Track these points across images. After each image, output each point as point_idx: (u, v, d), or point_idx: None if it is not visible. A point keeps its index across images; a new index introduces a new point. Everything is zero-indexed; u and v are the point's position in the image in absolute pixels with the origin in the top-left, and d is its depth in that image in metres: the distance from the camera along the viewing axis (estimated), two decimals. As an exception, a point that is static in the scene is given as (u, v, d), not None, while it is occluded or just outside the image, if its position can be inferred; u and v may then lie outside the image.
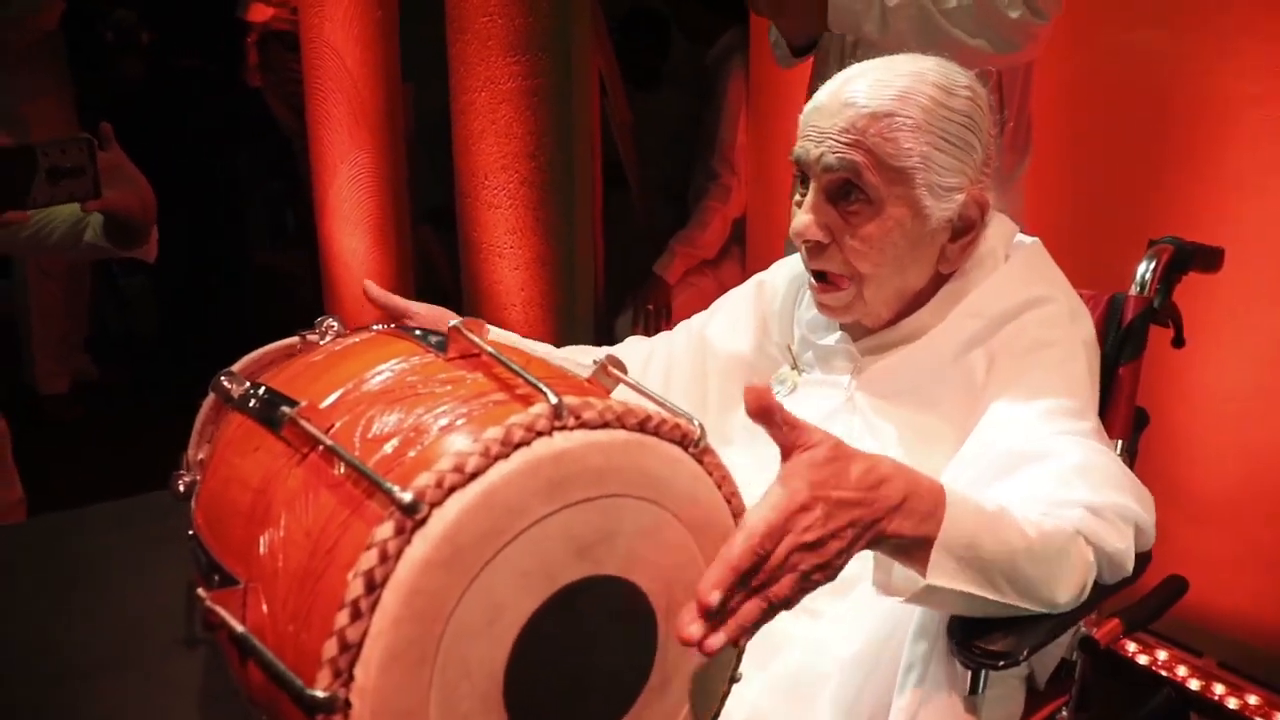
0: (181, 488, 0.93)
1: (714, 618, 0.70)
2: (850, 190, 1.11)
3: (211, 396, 1.05)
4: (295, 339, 1.10)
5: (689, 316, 1.50)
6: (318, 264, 3.46)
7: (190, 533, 0.79)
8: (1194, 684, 1.99)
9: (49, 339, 3.50)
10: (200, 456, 1.02)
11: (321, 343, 0.97)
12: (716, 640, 0.70)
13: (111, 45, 3.61)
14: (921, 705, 1.00)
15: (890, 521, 0.81)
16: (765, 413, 0.76)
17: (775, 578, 0.74)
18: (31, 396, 3.48)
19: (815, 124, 1.12)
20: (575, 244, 2.88)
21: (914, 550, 0.85)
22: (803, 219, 1.13)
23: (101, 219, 1.55)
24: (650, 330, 2.99)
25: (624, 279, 3.14)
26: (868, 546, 0.82)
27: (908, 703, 1.00)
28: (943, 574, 0.85)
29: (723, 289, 1.51)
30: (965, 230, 1.16)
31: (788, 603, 0.76)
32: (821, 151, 1.10)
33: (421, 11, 3.08)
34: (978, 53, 1.59)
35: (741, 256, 3.05)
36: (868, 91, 1.10)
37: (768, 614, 0.75)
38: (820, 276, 1.18)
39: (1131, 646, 2.07)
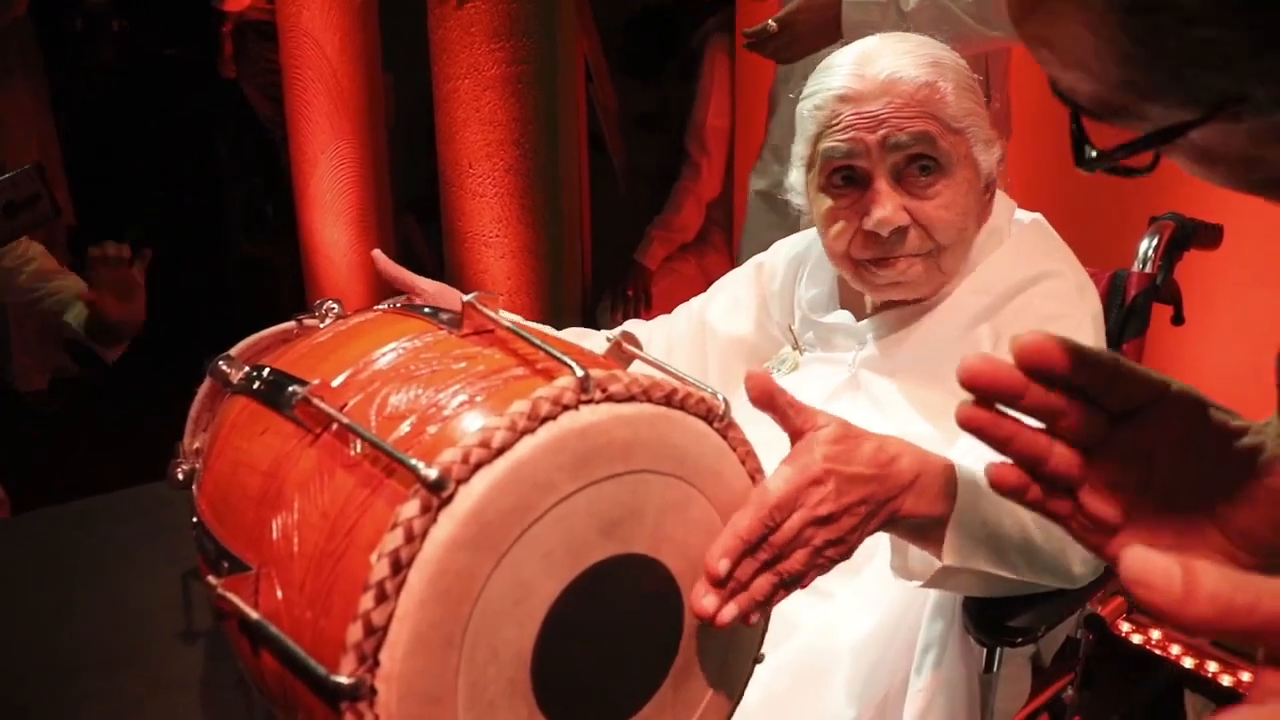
0: (181, 476, 0.90)
1: (723, 587, 0.69)
2: (923, 163, 1.09)
3: (207, 383, 1.02)
4: (292, 323, 1.07)
5: (670, 302, 1.49)
6: (298, 255, 3.42)
7: (194, 520, 0.76)
8: (1188, 662, 1.99)
9: (26, 335, 3.44)
10: (196, 445, 0.99)
11: (321, 325, 0.94)
12: (729, 612, 0.69)
13: (82, 33, 3.55)
14: (939, 685, 0.99)
15: (904, 500, 0.80)
16: (768, 398, 0.76)
17: (788, 552, 0.73)
18: (10, 394, 3.43)
19: (861, 112, 1.08)
20: (562, 232, 2.86)
21: (928, 530, 0.85)
22: (886, 209, 1.09)
23: (88, 312, 1.57)
24: (629, 317, 2.98)
25: (612, 267, 3.12)
26: (881, 527, 0.81)
27: (926, 683, 0.99)
28: (957, 554, 0.84)
29: (705, 274, 1.51)
30: (992, 182, 1.17)
31: (801, 578, 0.75)
32: (885, 132, 1.07)
33: (402, -2, 3.05)
34: (995, 40, 1.61)
35: (726, 241, 3.03)
36: (907, 64, 1.09)
37: (780, 589, 0.74)
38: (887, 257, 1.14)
39: (1126, 626, 2.08)
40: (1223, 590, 0.38)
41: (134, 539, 1.25)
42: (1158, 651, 2.02)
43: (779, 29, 1.74)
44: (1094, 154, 0.53)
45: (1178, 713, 1.98)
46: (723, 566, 0.69)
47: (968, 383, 0.57)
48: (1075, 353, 0.55)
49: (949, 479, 0.83)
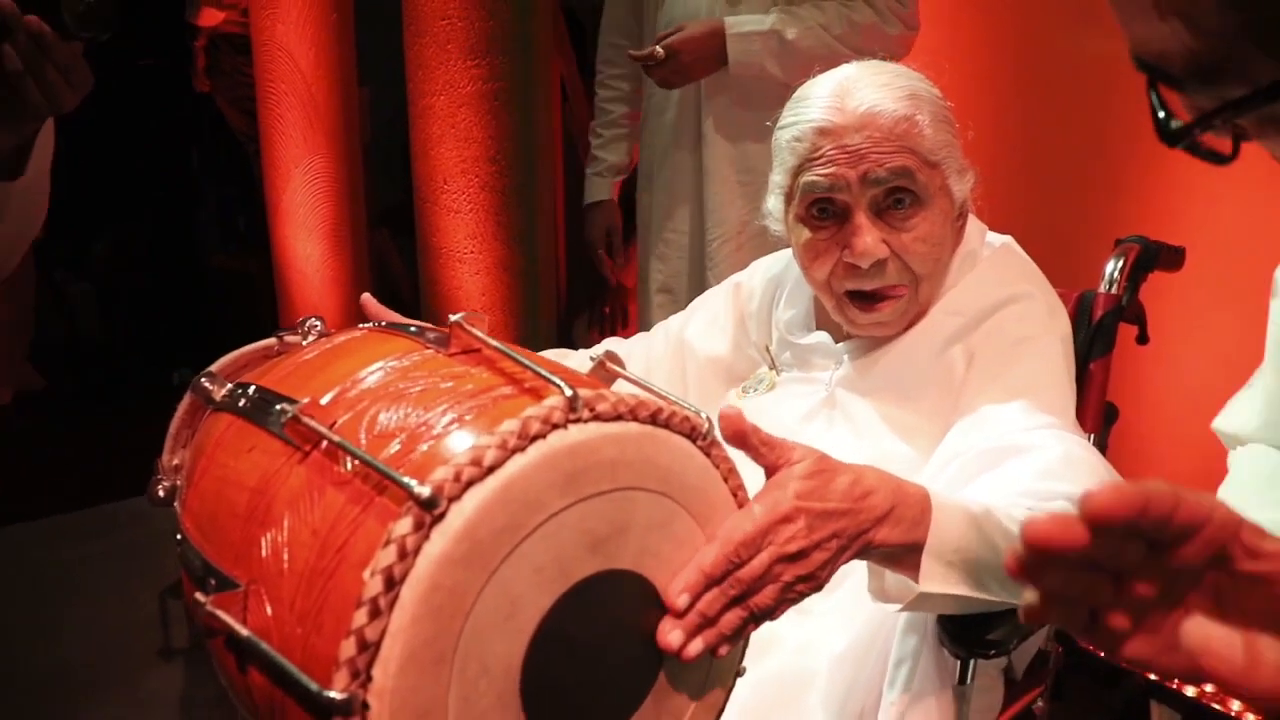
0: (161, 493, 0.90)
1: (684, 620, 0.70)
2: (900, 196, 1.12)
3: (188, 399, 1.02)
4: (272, 340, 1.07)
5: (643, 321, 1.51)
6: (270, 269, 3.41)
7: (178, 536, 0.76)
8: (1152, 673, 2.02)
9: None
10: (176, 461, 0.99)
11: (304, 343, 0.94)
12: (695, 647, 0.70)
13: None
14: (913, 698, 1.01)
15: (877, 531, 0.81)
16: (740, 437, 0.76)
17: (757, 588, 0.74)
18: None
19: (838, 146, 1.11)
20: (537, 249, 2.87)
21: (903, 557, 0.86)
22: (869, 241, 1.11)
23: None
24: (606, 336, 2.99)
25: (588, 285, 3.13)
26: (856, 556, 0.82)
27: (899, 696, 1.01)
28: (934, 580, 0.86)
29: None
30: (965, 209, 1.20)
31: (771, 612, 0.76)
32: (866, 168, 1.10)
33: (378, 14, 3.06)
34: None
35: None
36: (885, 97, 1.11)
37: (749, 622, 0.75)
38: (869, 297, 1.17)
39: (1093, 640, 2.11)
40: None
41: (106, 556, 1.24)
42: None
43: (665, 56, 1.78)
44: (1178, 124, 0.48)
45: (1144, 723, 2.01)
46: (682, 601, 0.69)
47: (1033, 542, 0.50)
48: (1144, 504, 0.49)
49: (924, 508, 0.84)
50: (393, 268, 3.62)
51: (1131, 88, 1.94)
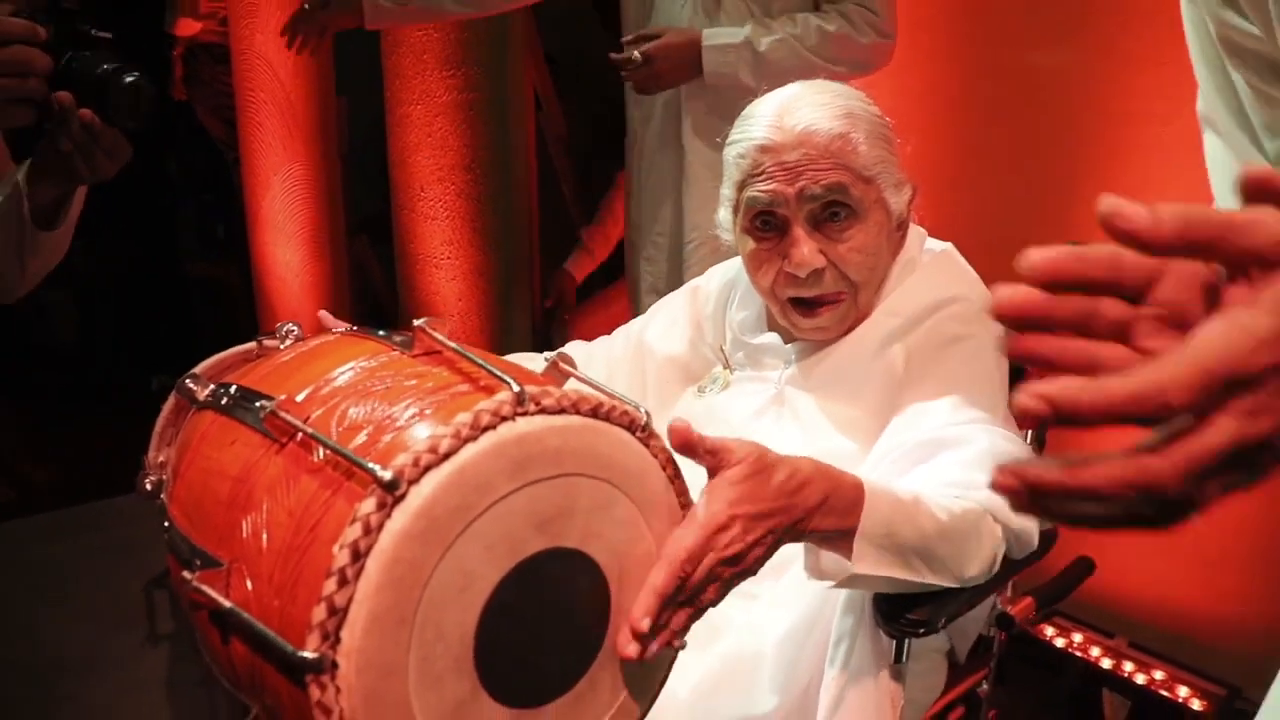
0: (149, 486, 0.96)
1: (648, 640, 0.77)
2: (835, 210, 1.18)
3: (172, 400, 1.08)
4: (252, 344, 1.14)
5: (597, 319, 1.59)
6: (250, 275, 3.45)
7: (166, 525, 0.83)
8: (1106, 663, 2.11)
9: None
10: (161, 458, 1.05)
11: (282, 347, 1.01)
12: (653, 650, 0.78)
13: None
14: (851, 675, 1.08)
15: (810, 521, 0.88)
16: (688, 447, 0.82)
17: (701, 589, 0.81)
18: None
19: (777, 163, 1.18)
20: (512, 255, 2.93)
21: (837, 540, 0.92)
22: (805, 252, 1.18)
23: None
24: (550, 325, 3.07)
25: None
26: (793, 540, 0.88)
27: (838, 673, 1.07)
28: (865, 561, 0.92)
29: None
30: (904, 220, 1.26)
31: (714, 603, 0.83)
32: (802, 184, 1.17)
33: (356, 25, 3.10)
34: (840, 74, 1.78)
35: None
36: (822, 116, 1.17)
37: (696, 616, 0.82)
38: (810, 304, 1.23)
39: (1050, 630, 2.19)
40: (1182, 211, 0.39)
41: (91, 553, 1.30)
42: (1079, 654, 2.14)
43: (643, 61, 1.86)
44: None
45: (1096, 710, 2.10)
46: (645, 625, 0.77)
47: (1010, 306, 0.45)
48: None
49: (858, 497, 0.91)
50: (371, 274, 3.67)
51: (1077, 103, 2.06)
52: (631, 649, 0.77)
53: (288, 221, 3.28)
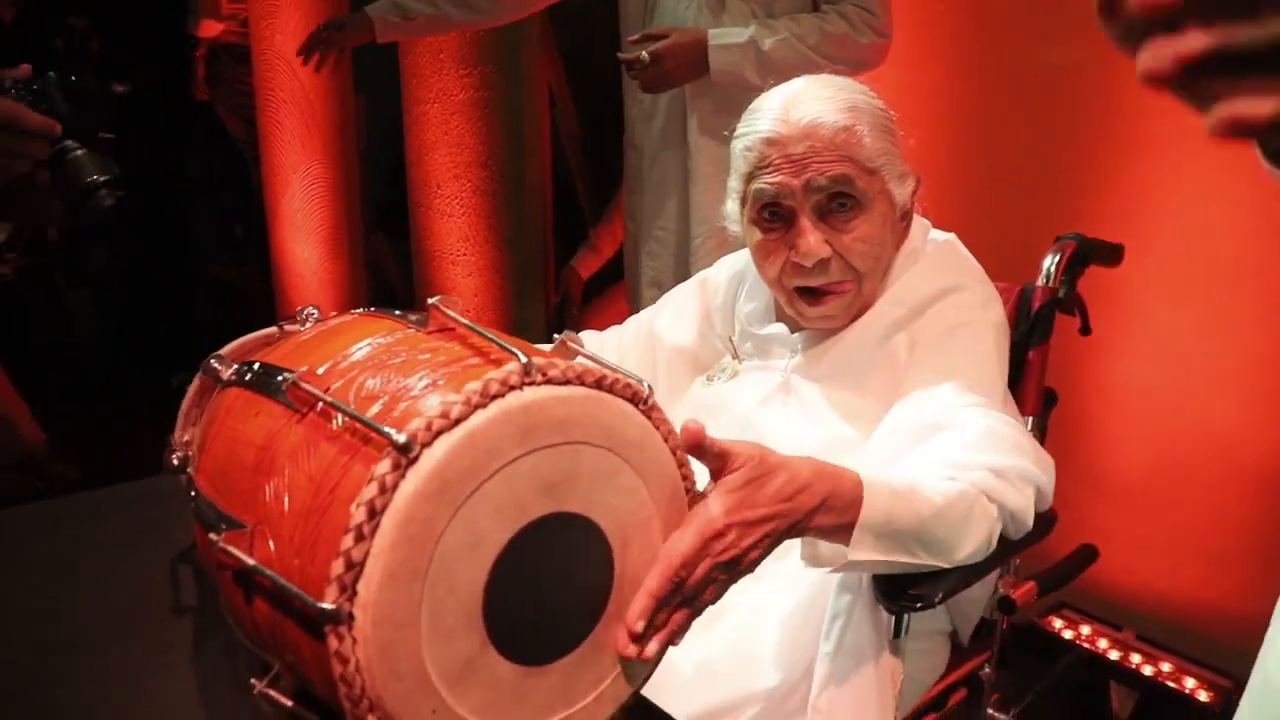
0: (175, 461, 1.01)
1: (644, 640, 0.81)
2: (841, 200, 1.21)
3: (197, 381, 1.13)
4: (274, 329, 1.18)
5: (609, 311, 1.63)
6: (267, 274, 3.50)
7: (192, 494, 0.88)
8: (1113, 654, 2.13)
9: None
10: (186, 438, 1.10)
11: (303, 329, 1.06)
12: (652, 649, 0.82)
13: (61, 52, 3.62)
14: (849, 651, 1.11)
15: (810, 521, 0.90)
16: (698, 448, 0.85)
17: (699, 592, 0.84)
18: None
19: (784, 155, 1.21)
20: (527, 251, 2.97)
21: (836, 534, 0.95)
22: (811, 242, 1.21)
23: None
24: (561, 321, 3.11)
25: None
26: (792, 537, 0.91)
27: (834, 648, 1.10)
28: (864, 549, 0.95)
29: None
30: (908, 211, 1.29)
31: (713, 603, 0.86)
32: (808, 176, 1.20)
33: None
34: (841, 71, 1.82)
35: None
36: (827, 110, 1.20)
37: (695, 615, 0.85)
38: (816, 293, 1.26)
39: (1058, 622, 2.21)
40: None
41: (114, 534, 1.34)
42: (1086, 646, 2.16)
43: (651, 61, 1.89)
44: None
45: (1104, 702, 2.12)
46: (639, 626, 0.80)
47: None
48: None
49: (856, 494, 0.94)
50: (388, 271, 3.72)
51: (1076, 97, 2.08)
52: (631, 649, 0.80)
53: (306, 219, 3.33)
